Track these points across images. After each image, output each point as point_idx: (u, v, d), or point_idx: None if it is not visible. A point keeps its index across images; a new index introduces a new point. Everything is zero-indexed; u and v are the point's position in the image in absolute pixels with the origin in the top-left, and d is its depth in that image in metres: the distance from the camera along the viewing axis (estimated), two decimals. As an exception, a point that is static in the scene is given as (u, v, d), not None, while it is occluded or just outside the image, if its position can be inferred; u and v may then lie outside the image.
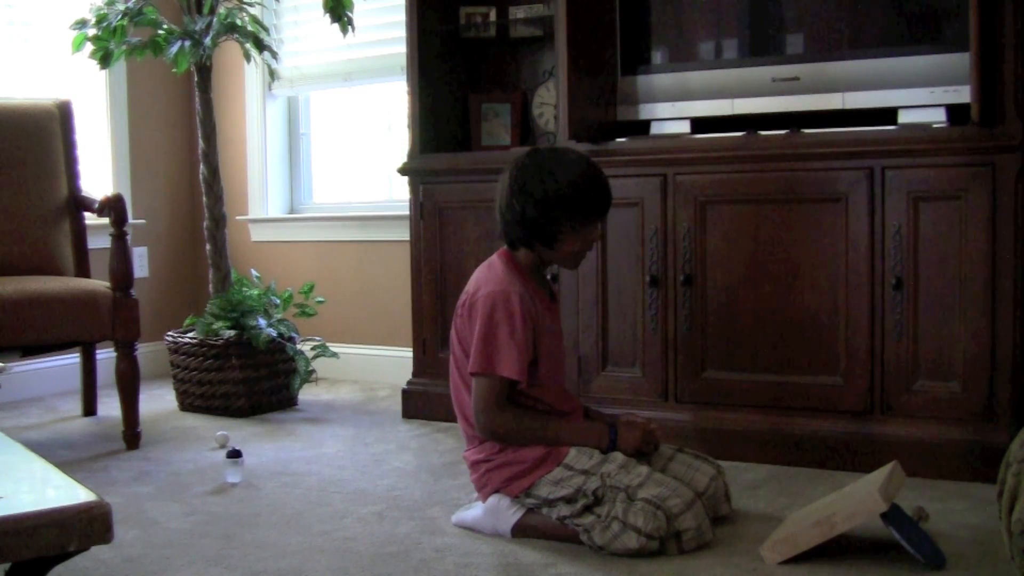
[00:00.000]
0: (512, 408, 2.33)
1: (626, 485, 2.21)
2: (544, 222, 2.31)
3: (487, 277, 2.38)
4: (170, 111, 4.65)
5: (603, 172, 2.38)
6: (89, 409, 3.75)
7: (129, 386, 3.26)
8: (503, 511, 2.35)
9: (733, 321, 2.97)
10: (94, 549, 1.64)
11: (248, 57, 3.88)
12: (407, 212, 3.64)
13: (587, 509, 2.24)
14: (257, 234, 4.62)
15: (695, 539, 2.19)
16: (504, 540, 2.31)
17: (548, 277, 2.59)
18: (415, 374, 3.62)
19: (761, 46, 3.14)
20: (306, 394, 3.94)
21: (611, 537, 2.18)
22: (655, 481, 2.22)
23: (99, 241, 3.68)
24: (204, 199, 3.92)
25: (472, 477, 2.43)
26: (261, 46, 3.84)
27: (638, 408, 3.06)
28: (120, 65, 4.08)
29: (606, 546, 2.19)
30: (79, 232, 3.67)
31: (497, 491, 2.35)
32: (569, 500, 2.26)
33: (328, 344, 3.85)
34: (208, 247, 3.92)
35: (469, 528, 2.40)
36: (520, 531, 2.33)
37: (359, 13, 3.94)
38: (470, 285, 2.41)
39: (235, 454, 2.84)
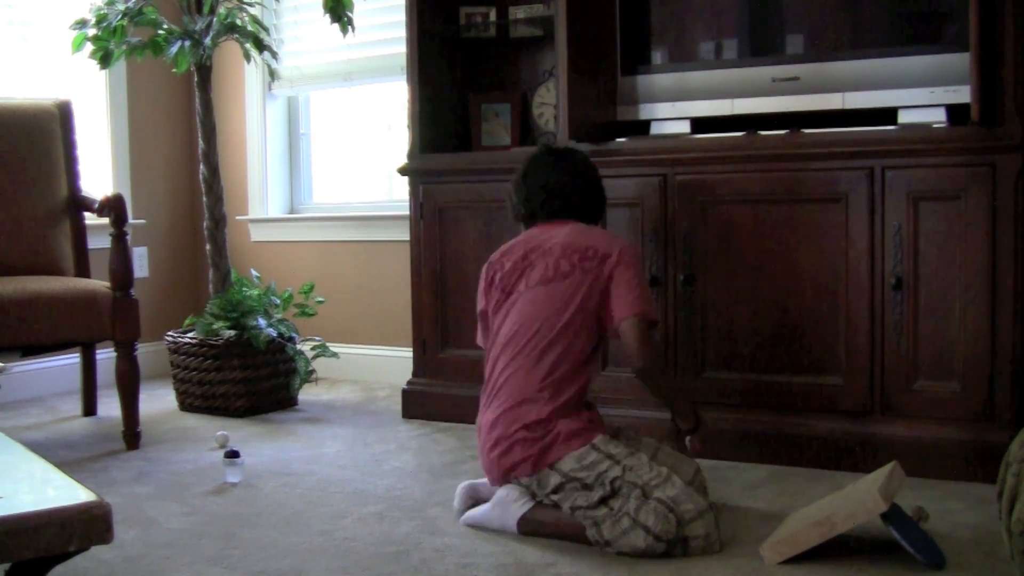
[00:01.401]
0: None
1: (644, 482, 2.22)
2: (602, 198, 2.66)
3: (604, 234, 2.58)
4: (170, 111, 4.65)
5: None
6: (89, 409, 3.75)
7: (129, 386, 3.26)
8: (511, 503, 2.36)
9: (733, 321, 2.97)
10: (94, 549, 1.64)
11: (248, 57, 3.88)
12: (407, 212, 3.63)
13: (603, 501, 2.24)
14: (257, 234, 4.62)
15: (702, 548, 2.19)
16: (505, 540, 2.31)
17: None
18: (415, 374, 3.62)
19: (761, 46, 3.14)
20: (306, 394, 3.94)
21: (620, 532, 2.19)
22: (672, 483, 2.23)
23: (99, 241, 3.68)
24: (204, 199, 3.92)
25: (496, 452, 2.38)
26: (261, 46, 3.84)
27: (638, 408, 3.06)
28: (120, 65, 4.08)
29: (613, 541, 2.20)
30: (79, 232, 3.67)
31: (525, 461, 2.33)
32: (587, 485, 2.26)
33: (328, 344, 3.85)
34: (208, 247, 3.92)
35: (478, 525, 2.40)
36: (526, 524, 2.33)
37: (359, 13, 3.94)
38: (582, 238, 2.49)
39: (233, 455, 2.84)
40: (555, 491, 2.31)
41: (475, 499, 2.50)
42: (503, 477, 2.40)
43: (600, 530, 2.22)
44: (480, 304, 2.59)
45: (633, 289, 2.42)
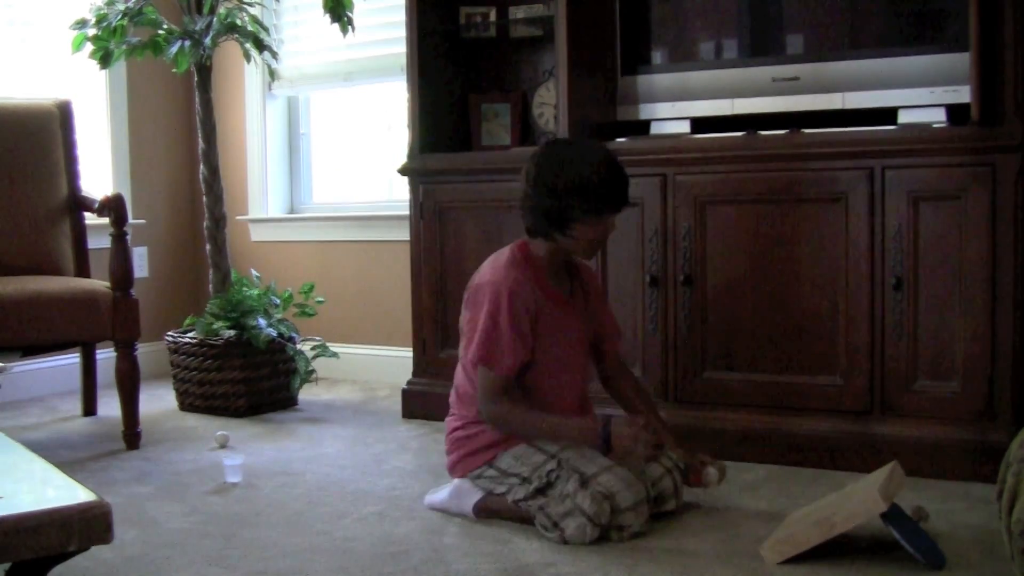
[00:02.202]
0: (508, 400, 2.39)
1: (582, 471, 2.28)
2: (558, 210, 2.35)
3: (491, 266, 2.45)
4: (170, 111, 4.65)
5: (621, 166, 2.40)
6: (89, 409, 3.75)
7: (129, 386, 3.26)
8: (466, 493, 2.47)
9: (733, 321, 2.97)
10: (94, 549, 1.64)
11: (248, 57, 3.88)
12: (407, 212, 3.63)
13: (539, 492, 2.32)
14: (257, 234, 4.62)
15: (633, 535, 2.28)
16: (505, 540, 2.31)
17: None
18: (415, 374, 3.62)
19: (761, 46, 3.14)
20: (306, 394, 3.94)
21: (563, 513, 2.26)
22: (612, 473, 2.27)
23: (99, 241, 3.68)
24: (204, 199, 3.92)
25: (445, 446, 2.55)
26: (261, 46, 3.84)
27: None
28: (120, 65, 4.08)
29: (559, 521, 2.26)
30: (79, 232, 3.67)
31: (463, 460, 2.47)
32: (524, 479, 2.35)
33: (328, 344, 3.85)
34: (208, 247, 3.92)
35: (439, 509, 2.52)
36: (482, 512, 2.45)
37: (359, 13, 3.94)
38: (477, 272, 2.50)
39: (233, 459, 2.84)
40: (496, 486, 2.42)
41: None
42: (453, 465, 2.53)
43: (546, 512, 2.29)
44: None
45: (479, 334, 2.37)
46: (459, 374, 2.53)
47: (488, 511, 2.44)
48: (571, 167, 2.34)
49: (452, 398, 2.56)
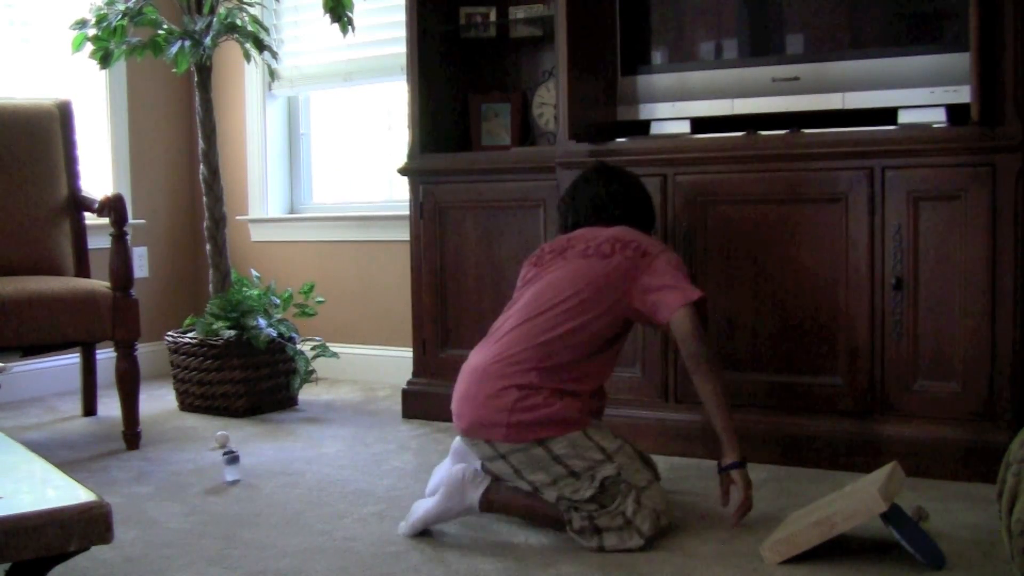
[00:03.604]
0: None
1: (639, 486, 2.26)
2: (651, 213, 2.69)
3: (653, 238, 2.55)
4: (170, 111, 4.65)
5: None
6: (89, 409, 3.75)
7: (129, 386, 3.26)
8: (468, 483, 2.33)
9: (733, 321, 2.97)
10: (94, 549, 1.64)
11: (248, 57, 3.88)
12: (407, 212, 3.63)
13: (592, 499, 2.24)
14: (257, 234, 4.62)
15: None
16: (505, 540, 2.31)
17: None
18: (415, 374, 3.62)
19: (761, 46, 3.14)
20: (306, 394, 3.94)
21: (614, 527, 2.22)
22: (655, 488, 2.31)
23: (99, 241, 3.68)
24: (204, 199, 3.92)
25: (475, 401, 2.30)
26: (261, 46, 3.84)
27: (638, 408, 3.06)
28: (120, 65, 4.08)
29: (603, 531, 2.22)
30: (79, 232, 3.67)
31: (523, 426, 2.25)
32: (574, 473, 2.25)
33: (328, 344, 3.85)
34: (208, 247, 3.92)
35: (434, 519, 2.33)
36: (489, 504, 2.33)
37: (359, 13, 3.94)
38: (630, 235, 2.48)
39: (232, 456, 2.83)
40: (536, 470, 2.27)
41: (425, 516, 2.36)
42: (472, 429, 2.31)
43: (594, 523, 2.22)
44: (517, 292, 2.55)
45: (681, 280, 2.38)
46: (564, 328, 2.33)
47: (495, 505, 2.33)
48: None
49: (521, 366, 2.29)
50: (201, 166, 3.92)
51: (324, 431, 3.45)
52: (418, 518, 2.35)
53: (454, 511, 2.35)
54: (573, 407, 2.30)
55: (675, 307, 2.34)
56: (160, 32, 3.80)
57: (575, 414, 2.29)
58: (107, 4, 3.71)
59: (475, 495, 2.33)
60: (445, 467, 2.53)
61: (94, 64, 3.76)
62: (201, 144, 3.91)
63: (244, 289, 3.80)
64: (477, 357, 2.39)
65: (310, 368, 3.75)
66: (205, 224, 3.93)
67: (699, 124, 3.14)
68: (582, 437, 2.28)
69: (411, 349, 3.65)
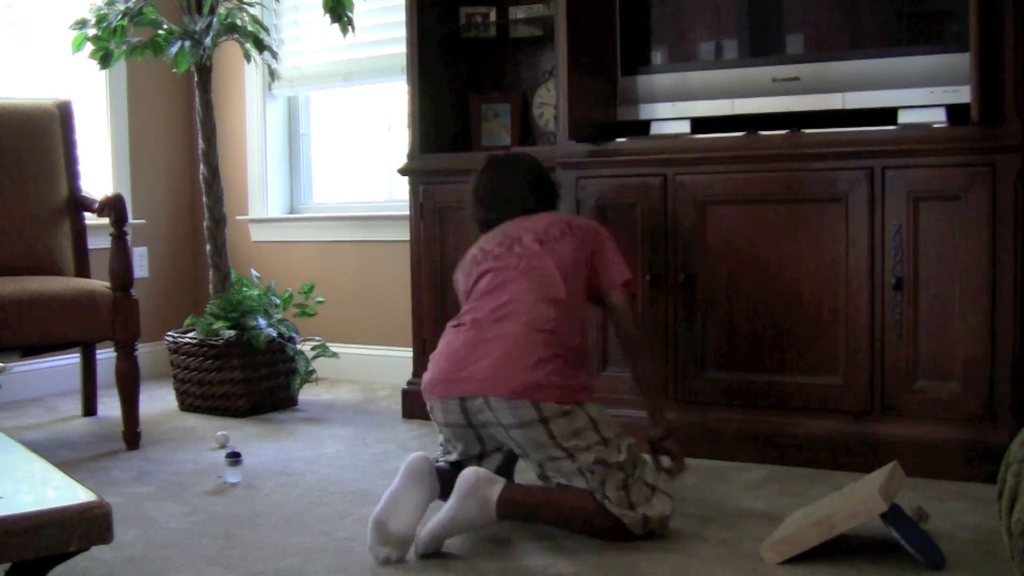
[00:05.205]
0: None
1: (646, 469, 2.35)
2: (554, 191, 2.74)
3: (579, 217, 2.79)
4: (170, 111, 4.65)
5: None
6: (89, 409, 3.75)
7: (129, 386, 3.26)
8: (483, 483, 2.19)
9: (733, 321, 2.97)
10: (94, 549, 1.64)
11: (248, 57, 3.88)
12: (407, 212, 3.64)
13: (620, 467, 2.25)
14: (257, 234, 4.62)
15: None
16: (504, 539, 2.31)
17: None
18: (415, 374, 3.62)
19: (761, 46, 3.14)
20: (306, 394, 3.94)
21: (644, 498, 2.27)
22: (659, 476, 2.42)
23: (99, 241, 3.68)
24: (204, 199, 3.92)
25: (534, 375, 2.26)
26: (261, 46, 3.84)
27: (638, 408, 3.06)
28: (120, 65, 4.07)
29: (637, 504, 2.25)
30: (79, 232, 3.67)
31: (563, 388, 2.26)
32: (604, 440, 2.26)
33: (328, 344, 3.85)
34: (208, 247, 3.92)
35: (448, 530, 2.20)
36: (506, 506, 2.19)
37: (359, 13, 3.94)
38: (562, 217, 2.63)
39: (234, 455, 2.83)
40: (572, 436, 2.25)
41: (387, 532, 2.17)
42: (523, 390, 2.24)
43: (629, 497, 2.24)
44: (461, 287, 2.58)
45: (620, 259, 2.54)
46: (551, 309, 2.37)
47: (512, 504, 2.20)
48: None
49: (558, 337, 2.32)
50: (201, 166, 3.92)
51: (324, 431, 3.45)
52: (428, 531, 2.19)
53: (470, 516, 2.18)
54: (591, 380, 2.48)
55: (619, 280, 2.52)
56: (160, 32, 3.80)
57: (589, 384, 2.42)
58: (107, 4, 3.71)
59: (492, 493, 2.18)
60: (396, 487, 2.25)
61: (94, 64, 3.76)
62: (201, 144, 3.91)
63: (244, 289, 3.80)
64: (491, 328, 2.35)
65: (310, 368, 3.76)
66: (205, 224, 3.93)
67: (699, 124, 3.13)
68: (601, 409, 2.37)
69: (411, 349, 3.65)
